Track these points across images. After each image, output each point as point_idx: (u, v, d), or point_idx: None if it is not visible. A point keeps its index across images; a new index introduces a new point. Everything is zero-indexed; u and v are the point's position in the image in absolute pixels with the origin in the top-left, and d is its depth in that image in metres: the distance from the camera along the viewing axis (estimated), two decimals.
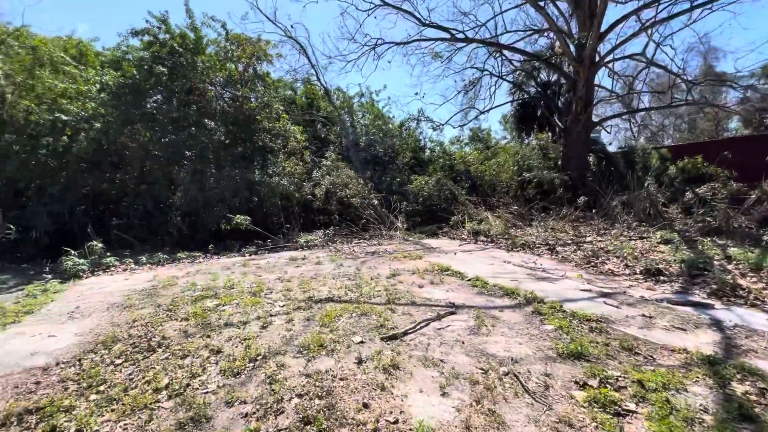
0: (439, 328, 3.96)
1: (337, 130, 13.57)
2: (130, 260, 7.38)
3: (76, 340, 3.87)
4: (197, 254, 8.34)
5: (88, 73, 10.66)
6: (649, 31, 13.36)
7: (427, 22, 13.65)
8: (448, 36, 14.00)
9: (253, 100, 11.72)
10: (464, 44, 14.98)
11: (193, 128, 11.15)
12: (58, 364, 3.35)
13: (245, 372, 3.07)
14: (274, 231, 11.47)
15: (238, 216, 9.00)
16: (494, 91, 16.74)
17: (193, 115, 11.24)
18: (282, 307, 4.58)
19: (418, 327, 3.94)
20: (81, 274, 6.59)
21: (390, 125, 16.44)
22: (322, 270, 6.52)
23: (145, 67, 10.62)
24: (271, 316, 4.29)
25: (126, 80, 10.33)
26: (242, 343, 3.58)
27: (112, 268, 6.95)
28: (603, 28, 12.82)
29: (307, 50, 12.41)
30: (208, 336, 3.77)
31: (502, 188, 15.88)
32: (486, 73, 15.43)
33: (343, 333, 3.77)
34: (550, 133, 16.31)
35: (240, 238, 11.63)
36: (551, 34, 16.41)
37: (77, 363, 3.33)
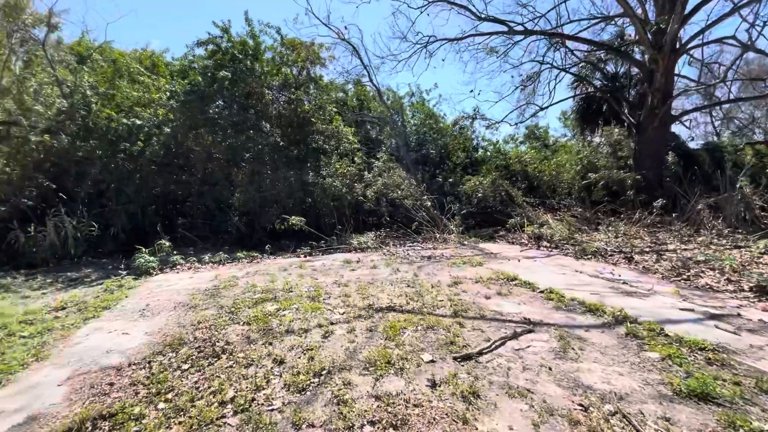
0: (518, 349, 3.50)
1: (389, 131, 13.34)
2: (194, 259, 7.65)
3: (146, 340, 3.91)
4: (255, 254, 8.47)
5: (160, 82, 11.34)
6: (743, 12, 11.65)
7: (483, 15, 12.98)
8: (505, 29, 13.21)
9: (306, 102, 11.81)
10: (522, 37, 14.07)
11: (251, 131, 11.45)
12: (130, 365, 3.36)
13: (310, 388, 2.84)
14: (326, 232, 11.47)
15: (293, 217, 9.05)
16: (554, 87, 15.60)
17: (251, 118, 11.56)
18: (342, 314, 4.36)
19: (493, 346, 3.51)
20: (151, 271, 6.91)
21: (441, 124, 15.92)
22: (379, 274, 6.25)
23: (209, 74, 11.10)
24: (332, 324, 4.08)
25: (192, 87, 10.84)
26: (305, 354, 3.38)
27: (178, 266, 7.23)
28: (686, 10, 11.37)
29: (359, 51, 12.32)
30: (270, 343, 3.62)
31: (563, 189, 14.74)
32: (546, 66, 14.39)
33: (410, 349, 3.44)
34: (617, 130, 14.86)
35: (294, 238, 11.78)
36: (620, 22, 14.95)
37: (147, 365, 3.32)
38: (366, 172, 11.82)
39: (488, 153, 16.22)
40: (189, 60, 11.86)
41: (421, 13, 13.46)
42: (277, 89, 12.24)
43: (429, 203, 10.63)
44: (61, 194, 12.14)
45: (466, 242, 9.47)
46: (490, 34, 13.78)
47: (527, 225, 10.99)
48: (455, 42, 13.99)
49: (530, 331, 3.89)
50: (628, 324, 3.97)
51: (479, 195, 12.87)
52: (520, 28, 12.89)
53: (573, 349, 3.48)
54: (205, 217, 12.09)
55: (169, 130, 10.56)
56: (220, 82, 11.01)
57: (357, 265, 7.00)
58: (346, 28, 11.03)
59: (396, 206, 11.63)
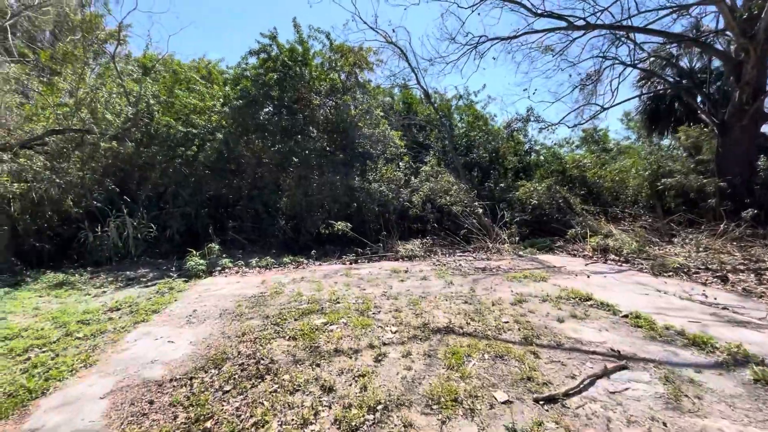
0: (614, 392, 2.82)
1: (437, 134, 12.80)
2: (242, 262, 7.58)
3: (190, 350, 3.69)
4: (301, 259, 8.28)
5: (214, 89, 11.67)
6: None
7: (539, 11, 12.09)
8: (564, 24, 12.22)
9: (353, 107, 11.61)
10: (582, 34, 12.96)
11: (299, 136, 11.42)
12: (171, 380, 3.11)
13: (364, 427, 2.39)
14: (371, 238, 11.13)
15: (339, 222, 8.78)
16: (617, 86, 14.21)
17: (299, 123, 11.54)
18: (394, 333, 3.89)
19: (581, 386, 2.86)
20: (200, 274, 6.90)
21: (490, 127, 15.10)
22: (431, 287, 5.72)
23: (260, 81, 11.26)
24: (384, 345, 3.62)
25: (243, 93, 11.03)
26: (356, 381, 2.95)
27: (227, 270, 7.18)
28: None
29: (407, 54, 11.92)
30: (318, 365, 3.24)
31: (628, 197, 13.34)
32: (610, 62, 13.13)
33: (478, 383, 2.89)
34: (695, 130, 13.19)
35: (338, 244, 11.56)
36: (695, 12, 13.32)
37: (188, 382, 3.06)
38: (413, 177, 11.35)
39: (542, 157, 15.12)
40: (241, 68, 12.13)
41: (473, 11, 12.82)
42: (324, 94, 12.17)
43: (480, 210, 9.93)
44: (125, 197, 12.92)
45: (522, 253, 8.66)
46: (547, 30, 12.82)
47: (590, 236, 9.92)
48: (508, 41, 13.19)
49: (623, 368, 3.18)
50: (754, 366, 3.14)
51: (533, 202, 11.92)
52: (581, 23, 11.85)
53: (687, 396, 2.75)
54: (254, 221, 12.23)
55: (221, 135, 10.78)
56: (270, 88, 11.12)
57: (405, 275, 6.51)
58: (393, 30, 10.75)
59: (443, 212, 11.04)
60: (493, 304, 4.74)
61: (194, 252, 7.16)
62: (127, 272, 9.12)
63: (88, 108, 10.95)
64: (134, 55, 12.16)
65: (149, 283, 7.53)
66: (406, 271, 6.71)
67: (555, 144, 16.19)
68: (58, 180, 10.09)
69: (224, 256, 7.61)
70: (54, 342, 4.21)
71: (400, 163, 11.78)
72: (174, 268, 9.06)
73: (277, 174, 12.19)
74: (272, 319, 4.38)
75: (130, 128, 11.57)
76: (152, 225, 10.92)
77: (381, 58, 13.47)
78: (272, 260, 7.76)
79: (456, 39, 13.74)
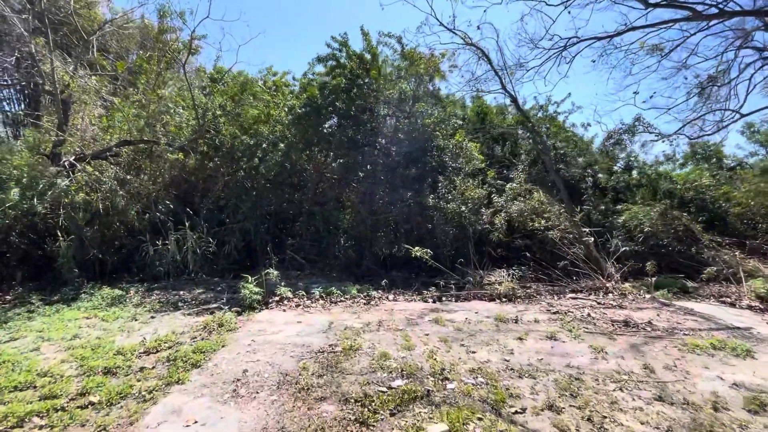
0: None
1: (527, 147, 10.88)
2: (302, 291, 6.21)
3: None
4: (371, 291, 6.74)
5: (279, 98, 10.89)
6: None
7: (653, 1, 9.92)
8: (686, 15, 9.90)
9: (426, 116, 10.15)
10: (705, 26, 10.51)
11: (366, 147, 10.15)
12: None
13: None
14: (445, 265, 9.40)
15: (416, 248, 7.18)
16: (749, 89, 11.33)
17: (366, 134, 10.29)
18: None
19: None
20: (255, 305, 5.61)
21: (578, 140, 12.84)
22: (573, 357, 3.82)
23: (326, 90, 10.26)
24: None
25: (309, 101, 10.07)
26: None
27: (285, 301, 5.83)
28: None
29: (489, 56, 10.29)
30: None
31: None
32: (748, 58, 10.44)
33: None
34: None
35: (407, 269, 9.94)
36: None
37: None
38: (495, 196, 9.52)
39: (640, 176, 12.49)
40: (308, 79, 11.26)
41: (564, 8, 10.90)
42: (394, 103, 10.87)
43: (591, 239, 7.79)
44: (188, 209, 12.48)
45: (662, 299, 6.39)
46: (659, 24, 10.53)
47: (743, 276, 7.36)
48: (607, 40, 11.06)
49: None
50: None
51: (645, 229, 9.47)
52: (712, 10, 9.47)
53: None
54: (313, 239, 11.05)
55: (284, 145, 9.82)
56: (336, 96, 10.05)
57: (517, 327, 4.67)
58: (479, 27, 9.25)
59: (534, 239, 9.02)
60: (715, 409, 2.76)
61: (249, 278, 5.90)
62: (181, 291, 8.22)
63: (158, 119, 10.62)
64: (205, 65, 11.88)
65: (199, 311, 6.42)
66: (515, 321, 4.87)
67: (655, 161, 13.43)
68: (121, 192, 9.64)
69: (282, 283, 6.28)
70: (59, 411, 2.99)
71: (481, 179, 9.99)
72: (227, 291, 8.00)
73: (339, 189, 10.99)
74: (354, 405, 2.80)
75: (196, 140, 11.07)
76: (211, 240, 10.13)
77: (455, 63, 11.96)
78: (338, 292, 6.29)
79: (537, 43, 11.87)
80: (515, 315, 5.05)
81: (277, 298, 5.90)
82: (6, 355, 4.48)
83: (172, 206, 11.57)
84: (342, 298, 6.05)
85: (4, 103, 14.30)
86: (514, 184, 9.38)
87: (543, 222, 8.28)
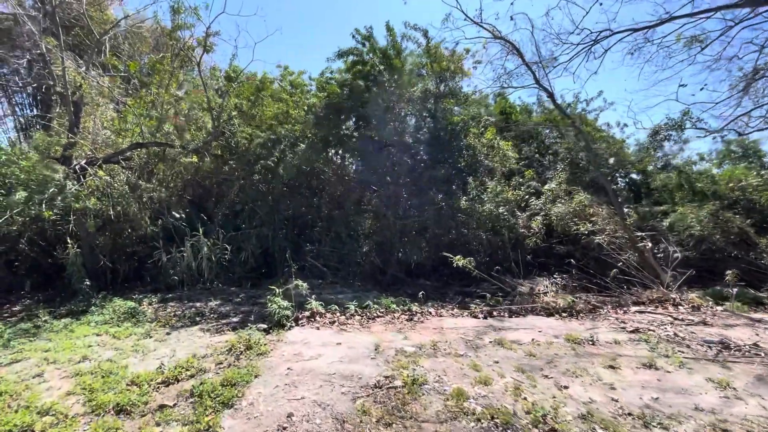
0: None
1: (568, 145, 10.11)
2: (335, 307, 5.50)
3: None
4: (413, 306, 5.98)
5: (298, 96, 10.28)
6: None
7: None
8: (733, 1, 9.11)
9: (454, 114, 9.47)
10: (752, 10, 9.73)
11: (390, 148, 9.48)
12: None
13: None
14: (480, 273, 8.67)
15: (458, 257, 6.45)
16: None
17: (390, 134, 9.64)
18: None
19: None
20: (285, 322, 4.92)
21: (609, 138, 12.05)
22: (698, 394, 3.04)
23: (346, 89, 9.63)
24: None
25: (330, 99, 9.45)
26: None
27: (317, 318, 5.13)
28: None
29: (520, 49, 9.58)
30: None
31: None
32: None
33: None
34: None
35: (436, 278, 9.23)
36: None
37: None
38: (532, 198, 8.77)
39: (682, 175, 11.64)
40: (326, 78, 10.64)
41: (596, 2, 10.17)
42: (418, 101, 10.21)
43: (648, 244, 6.99)
44: (202, 215, 11.90)
45: (733, 311, 5.58)
46: (702, 13, 9.76)
47: None
48: (643, 32, 10.29)
49: None
50: None
51: (695, 233, 8.64)
52: None
53: None
54: (332, 245, 10.37)
55: (304, 146, 9.19)
56: (359, 94, 9.42)
57: (598, 351, 3.91)
58: (512, 18, 8.54)
59: (576, 244, 8.25)
60: None
61: (277, 291, 5.21)
62: (197, 303, 7.59)
63: (170, 121, 10.07)
64: (220, 65, 11.34)
65: (219, 326, 5.76)
66: (592, 342, 4.11)
67: (688, 159, 12.56)
68: (134, 197, 9.06)
69: (313, 296, 5.57)
70: None
71: (518, 180, 9.24)
72: (247, 302, 7.34)
73: (361, 192, 10.32)
74: None
75: (211, 142, 10.50)
76: (227, 246, 9.51)
77: (479, 59, 11.24)
78: (375, 306, 5.56)
79: (566, 39, 11.11)
80: (588, 335, 4.29)
81: (307, 314, 5.20)
82: (5, 384, 3.85)
83: (186, 212, 11.00)
84: (379, 313, 5.33)
85: (17, 108, 13.89)
86: (553, 185, 8.61)
87: (589, 226, 7.50)
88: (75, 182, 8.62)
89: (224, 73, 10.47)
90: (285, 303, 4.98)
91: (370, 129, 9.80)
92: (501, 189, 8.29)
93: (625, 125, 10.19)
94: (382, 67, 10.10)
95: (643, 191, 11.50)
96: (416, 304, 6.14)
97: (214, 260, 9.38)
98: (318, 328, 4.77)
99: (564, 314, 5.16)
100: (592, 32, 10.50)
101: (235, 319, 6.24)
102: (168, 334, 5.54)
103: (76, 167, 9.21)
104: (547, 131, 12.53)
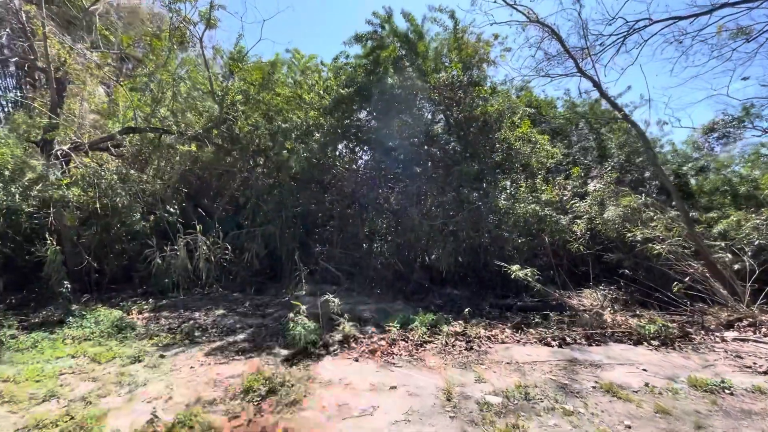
0: None
1: (618, 141, 9.08)
2: (372, 328, 4.41)
3: None
4: (467, 327, 4.90)
5: (313, 78, 9.15)
6: None
7: None
8: None
9: (487, 104, 8.43)
10: None
11: (414, 139, 8.41)
12: None
13: None
14: (513, 283, 7.68)
15: (515, 267, 5.42)
16: None
17: (412, 124, 8.57)
18: None
19: None
20: (311, 348, 3.83)
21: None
22: None
23: (363, 74, 8.53)
24: None
25: (346, 86, 8.35)
26: None
27: (352, 344, 4.04)
28: None
29: (559, 33, 8.57)
30: None
31: None
32: None
33: None
34: None
35: (464, 285, 8.20)
36: None
37: None
38: (573, 199, 7.77)
39: (722, 178, 10.76)
40: (341, 63, 9.49)
41: None
42: (445, 90, 9.14)
43: (728, 255, 6.04)
44: (200, 210, 10.72)
45: None
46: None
47: None
48: (691, 19, 9.35)
49: None
50: None
51: (755, 241, 7.72)
52: None
53: None
54: (345, 247, 9.29)
55: (319, 135, 8.08)
56: (379, 79, 8.33)
57: (746, 405, 2.89)
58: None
59: (627, 252, 7.28)
60: None
61: (301, 308, 4.09)
62: (195, 313, 6.48)
63: (167, 104, 8.87)
64: (224, 47, 10.10)
65: (224, 345, 4.67)
66: (729, 391, 3.07)
67: (728, 160, 11.69)
68: (123, 189, 7.89)
69: (345, 316, 4.43)
70: None
71: (564, 178, 8.22)
72: (254, 313, 6.23)
73: (380, 188, 9.24)
74: None
75: (212, 129, 9.32)
76: (228, 246, 8.38)
77: (508, 47, 10.18)
78: (424, 329, 4.43)
79: (589, 31, 10.07)
80: (711, 376, 3.27)
81: (339, 337, 4.12)
82: None
83: (182, 206, 9.83)
84: (427, 337, 4.25)
85: None
86: (597, 185, 7.63)
87: (647, 231, 6.53)
88: (56, 170, 7.43)
89: (229, 54, 9.27)
90: (311, 324, 3.89)
91: (390, 118, 8.72)
92: (545, 187, 7.29)
93: (665, 123, 9.38)
94: (404, 52, 9.03)
95: (678, 193, 10.56)
96: (460, 322, 5.10)
97: (214, 261, 8.24)
98: (356, 359, 3.70)
99: (654, 342, 4.17)
100: (627, 21, 9.49)
101: (241, 336, 5.16)
102: (162, 356, 4.44)
103: (58, 153, 7.99)
104: (576, 127, 11.55)
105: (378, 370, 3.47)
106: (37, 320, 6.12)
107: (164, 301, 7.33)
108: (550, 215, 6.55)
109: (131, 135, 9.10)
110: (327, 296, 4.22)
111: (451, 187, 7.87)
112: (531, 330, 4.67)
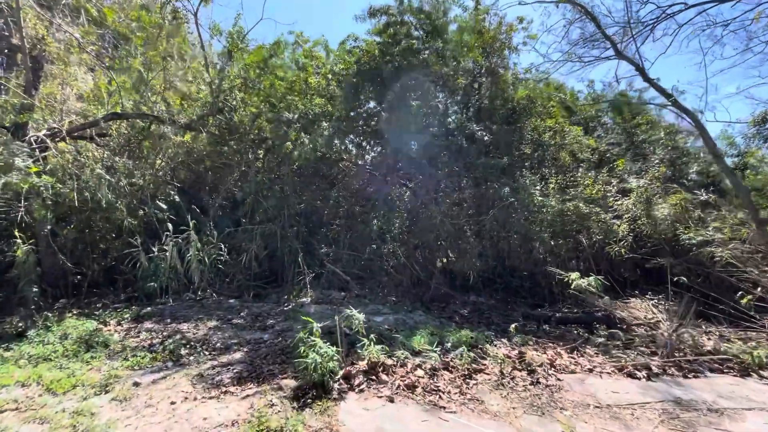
0: None
1: (665, 134, 8.16)
2: (404, 352, 3.43)
3: None
4: (523, 349, 3.96)
5: (320, 61, 8.22)
6: None
7: None
8: None
9: (514, 90, 7.54)
10: None
11: (433, 128, 7.50)
12: None
13: None
14: (542, 290, 6.81)
15: (574, 275, 4.50)
16: None
17: (431, 113, 7.66)
18: None
19: None
20: (328, 382, 2.88)
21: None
22: None
23: (374, 56, 7.62)
24: None
25: (355, 70, 7.43)
26: None
27: (382, 373, 3.07)
28: None
29: (593, 13, 7.70)
30: None
31: None
32: None
33: None
34: None
35: (489, 292, 7.27)
36: None
37: None
38: (614, 198, 6.86)
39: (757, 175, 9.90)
40: (349, 47, 8.56)
41: None
42: (468, 76, 8.28)
43: None
44: (194, 206, 9.73)
45: None
46: None
47: None
48: (735, 3, 8.50)
49: None
50: None
51: None
52: None
53: None
54: (353, 248, 8.34)
55: (326, 124, 7.15)
56: (391, 64, 7.43)
57: None
58: None
59: (677, 255, 6.38)
60: None
61: (314, 326, 3.10)
62: (183, 325, 5.50)
63: (158, 88, 7.92)
64: (223, 27, 9.12)
65: (218, 371, 3.72)
66: None
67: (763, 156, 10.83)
68: (106, 181, 6.92)
69: (371, 337, 3.42)
70: None
71: (606, 172, 7.29)
72: (253, 325, 5.27)
73: (391, 183, 8.31)
74: None
75: (207, 117, 8.37)
76: (222, 245, 7.43)
77: (533, 33, 9.31)
78: (470, 354, 3.45)
79: (614, 17, 9.22)
80: None
81: (363, 364, 3.16)
82: None
83: (173, 202, 8.83)
84: (472, 361, 3.31)
85: None
86: (642, 182, 6.71)
87: (707, 233, 5.63)
88: (24, 156, 6.44)
89: (227, 33, 8.32)
90: (327, 349, 2.94)
91: (405, 106, 7.79)
92: (587, 182, 6.38)
93: (701, 112, 8.47)
94: (422, 31, 8.15)
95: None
96: (504, 340, 4.16)
97: (207, 263, 7.28)
98: (391, 399, 2.76)
99: (753, 371, 3.26)
100: (658, 7, 8.59)
101: (237, 356, 4.21)
102: (136, 385, 3.47)
103: (32, 139, 7.01)
104: (599, 121, 10.67)
105: (424, 416, 2.54)
106: None
107: (149, 309, 6.34)
108: (597, 213, 5.63)
109: (117, 122, 8.13)
110: (353, 313, 3.26)
111: (475, 182, 6.95)
112: (588, 350, 3.75)
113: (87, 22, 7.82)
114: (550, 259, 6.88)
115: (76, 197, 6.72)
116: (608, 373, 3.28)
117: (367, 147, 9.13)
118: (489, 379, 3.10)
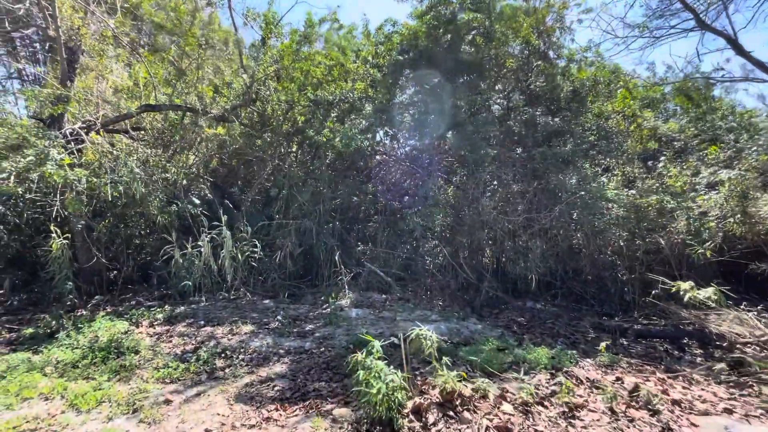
0: None
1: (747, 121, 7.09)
2: (487, 382, 2.72)
3: None
4: (640, 381, 3.19)
5: (361, 43, 7.60)
6: None
7: None
8: None
9: (576, 71, 6.62)
10: None
11: (484, 114, 6.71)
12: None
13: None
14: (614, 297, 5.92)
15: (685, 285, 3.68)
16: None
17: (484, 98, 6.86)
18: None
19: None
20: (397, 419, 2.25)
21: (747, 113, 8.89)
22: None
23: (416, 39, 6.89)
24: None
25: (406, 47, 6.75)
26: None
27: (460, 407, 2.40)
28: None
29: None
30: None
31: None
32: None
33: None
34: None
35: (547, 298, 6.45)
36: None
37: None
38: (693, 192, 5.85)
39: None
40: (386, 32, 7.86)
41: None
42: (519, 57, 7.43)
43: None
44: (227, 202, 9.41)
45: None
46: None
47: None
48: None
49: None
50: None
51: None
52: None
53: None
54: (391, 246, 7.72)
55: (370, 108, 6.52)
56: (436, 45, 6.69)
57: None
58: None
59: None
60: None
61: (375, 347, 2.49)
62: (218, 328, 5.05)
63: (193, 78, 7.57)
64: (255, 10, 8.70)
65: (258, 387, 3.20)
66: None
67: None
68: (142, 173, 6.61)
69: (452, 359, 2.74)
70: None
71: (681, 164, 6.29)
72: (292, 331, 4.73)
73: (435, 175, 7.59)
74: None
75: (239, 108, 7.96)
76: (256, 242, 6.98)
77: (588, 8, 8.27)
78: (568, 382, 2.76)
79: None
80: None
81: (435, 395, 2.52)
82: None
83: (206, 197, 8.53)
84: (578, 394, 2.60)
85: (24, 63, 11.56)
86: (733, 173, 5.65)
87: None
88: (60, 148, 6.22)
89: (262, 15, 7.84)
90: (395, 376, 2.31)
91: (450, 91, 7.04)
92: (672, 173, 5.43)
93: None
94: (467, 11, 7.34)
95: None
96: (589, 360, 3.40)
97: (241, 260, 6.86)
98: None
99: None
100: None
101: (278, 369, 3.69)
102: (167, 403, 2.99)
103: (68, 132, 6.82)
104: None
105: None
106: (30, 329, 4.88)
107: (182, 308, 5.97)
108: (688, 208, 4.71)
109: (151, 114, 7.87)
110: (423, 333, 2.61)
111: (533, 173, 6.12)
112: (695, 375, 2.92)
113: (122, 13, 7.55)
114: (619, 262, 5.97)
115: (110, 191, 6.45)
116: (754, 415, 2.47)
117: (408, 136, 8.47)
118: (599, 421, 2.37)
